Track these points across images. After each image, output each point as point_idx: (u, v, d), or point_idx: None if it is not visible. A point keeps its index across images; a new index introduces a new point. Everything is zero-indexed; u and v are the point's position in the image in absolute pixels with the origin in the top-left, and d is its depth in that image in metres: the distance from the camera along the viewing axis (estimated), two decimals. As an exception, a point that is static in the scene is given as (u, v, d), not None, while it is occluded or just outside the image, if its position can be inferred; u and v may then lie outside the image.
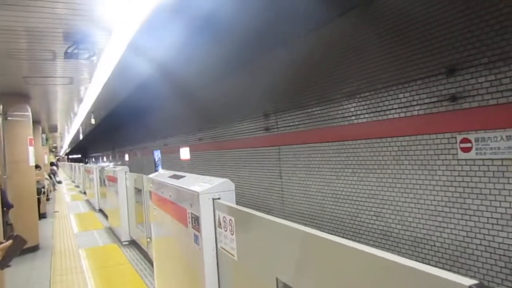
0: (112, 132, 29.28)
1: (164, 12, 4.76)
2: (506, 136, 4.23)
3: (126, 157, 29.99)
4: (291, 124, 8.19)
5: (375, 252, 1.16)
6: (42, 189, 10.90)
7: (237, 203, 9.02)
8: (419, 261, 5.36)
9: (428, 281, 0.95)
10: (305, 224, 7.83)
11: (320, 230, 5.93)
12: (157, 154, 19.89)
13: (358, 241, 6.46)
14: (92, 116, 12.32)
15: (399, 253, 5.74)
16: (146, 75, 8.92)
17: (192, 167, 14.75)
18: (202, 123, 13.24)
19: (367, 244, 6.29)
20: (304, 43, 7.45)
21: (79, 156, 59.49)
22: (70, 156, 60.61)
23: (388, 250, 5.94)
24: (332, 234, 6.05)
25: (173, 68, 9.59)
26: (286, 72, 8.11)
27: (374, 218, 6.16)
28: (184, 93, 13.35)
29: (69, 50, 4.38)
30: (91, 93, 8.39)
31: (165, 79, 10.68)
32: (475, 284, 0.89)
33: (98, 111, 12.14)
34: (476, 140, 4.56)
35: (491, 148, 4.41)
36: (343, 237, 6.76)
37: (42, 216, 10.63)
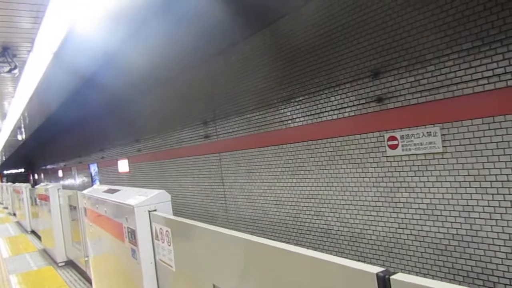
0: (42, 147, 27.69)
1: (91, 21, 4.61)
2: (427, 133, 4.59)
3: (60, 173, 28.40)
4: (230, 130, 8.25)
5: (298, 250, 1.23)
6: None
7: (181, 213, 8.93)
8: (358, 255, 5.63)
9: (343, 271, 1.04)
10: (249, 229, 7.91)
11: (264, 234, 6.03)
12: (94, 168, 19.04)
13: (301, 241, 6.64)
14: (19, 132, 11.54)
15: (339, 249, 5.98)
16: (76, 87, 8.55)
17: (132, 179, 14.30)
18: (140, 134, 12.90)
19: (310, 243, 6.49)
20: (239, 50, 7.55)
21: (21, 170, 46.49)
22: (6, 172, 47.15)
23: (329, 247, 6.16)
24: (275, 236, 6.16)
25: (106, 79, 9.28)
26: (223, 79, 8.16)
27: (315, 217, 6.37)
28: (119, 103, 12.93)
29: (-13, 64, 4.09)
30: (16, 108, 7.86)
31: (97, 90, 10.29)
32: (381, 271, 0.97)
33: (26, 126, 11.39)
34: (402, 137, 4.90)
35: (415, 144, 4.75)
36: (286, 238, 6.94)
37: (-35, 243, 9.78)
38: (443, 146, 4.42)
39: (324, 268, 1.14)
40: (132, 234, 2.54)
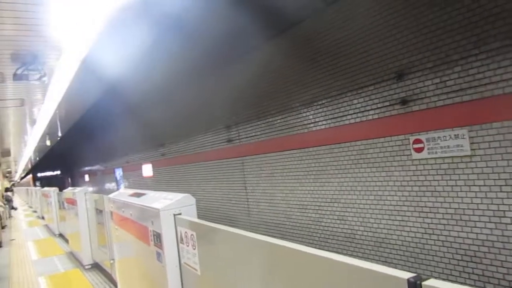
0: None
1: (117, 28, 4.71)
2: (454, 135, 4.47)
3: (86, 177, 29.03)
4: (253, 134, 8.26)
5: (325, 254, 1.21)
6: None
7: (204, 217, 8.95)
8: (383, 261, 5.53)
9: (373, 276, 1.02)
10: (271, 233, 7.88)
11: (286, 238, 5.98)
12: (119, 172, 19.39)
13: (324, 246, 6.57)
14: (48, 138, 11.88)
15: (363, 254, 5.89)
16: (102, 93, 8.75)
17: (155, 183, 14.49)
18: (164, 138, 13.07)
19: (333, 248, 6.41)
20: (260, 54, 7.56)
21: (57, 173, 39.90)
22: (40, 174, 40.01)
23: (352, 252, 6.07)
24: (298, 241, 6.12)
25: (131, 84, 9.46)
26: (246, 84, 8.19)
27: (338, 222, 6.29)
28: (144, 108, 13.16)
29: (18, 72, 4.22)
30: (45, 114, 8.10)
31: (121, 95, 10.50)
32: (412, 277, 0.95)
33: (54, 132, 11.72)
34: (428, 140, 4.79)
35: (441, 147, 4.64)
36: (309, 242, 6.88)
37: (-3, 245, 10.10)
38: (471, 149, 4.30)
39: (353, 273, 1.12)
40: (158, 237, 2.57)
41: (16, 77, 4.31)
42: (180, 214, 2.52)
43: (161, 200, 2.67)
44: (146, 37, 6.24)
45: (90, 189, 23.15)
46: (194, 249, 2.27)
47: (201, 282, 2.25)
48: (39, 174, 40.25)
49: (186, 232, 2.38)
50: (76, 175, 33.41)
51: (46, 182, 35.28)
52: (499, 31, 3.94)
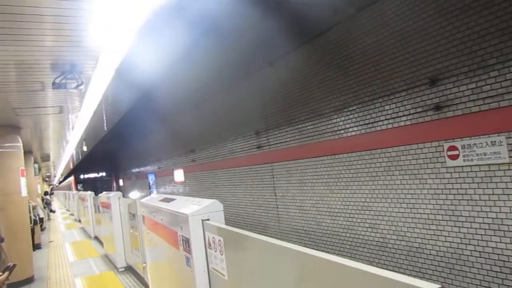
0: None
1: (149, 36, 4.85)
2: (491, 142, 4.31)
3: (120, 182, 29.74)
4: (282, 140, 8.26)
5: (353, 264, 1.20)
6: (36, 219, 10.79)
7: (233, 222, 9.01)
8: (417, 271, 5.37)
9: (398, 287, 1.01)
10: (301, 240, 7.83)
11: (317, 245, 5.93)
12: (151, 178, 19.82)
13: (355, 254, 6.46)
14: (84, 143, 12.31)
15: (396, 264, 5.74)
16: (136, 99, 8.99)
17: (186, 188, 14.72)
18: (194, 144, 13.28)
19: (364, 256, 6.29)
20: (290, 61, 7.57)
21: (102, 174, 34.13)
22: (84, 176, 34.19)
23: (385, 261, 5.93)
24: (329, 248, 6.04)
25: (162, 92, 9.68)
26: (275, 90, 8.21)
27: (370, 230, 6.18)
28: (174, 115, 13.42)
29: (57, 81, 4.42)
30: (82, 121, 8.42)
31: (154, 103, 10.75)
32: (437, 288, 0.93)
33: (90, 138, 12.15)
34: (463, 147, 4.64)
35: (477, 154, 4.48)
36: (340, 250, 6.78)
37: (36, 246, 10.49)
38: (509, 156, 4.13)
39: (383, 284, 1.11)
40: (187, 242, 2.61)
41: (55, 85, 4.51)
42: (208, 219, 2.55)
43: (190, 206, 2.72)
44: (178, 44, 6.38)
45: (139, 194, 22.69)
46: (222, 254, 2.30)
47: (229, 287, 2.27)
48: (82, 176, 34.09)
49: (214, 237, 2.41)
50: (124, 177, 29.15)
51: (91, 185, 30.20)
52: (539, 34, 3.79)
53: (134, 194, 23.04)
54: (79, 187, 31.38)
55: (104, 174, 34.20)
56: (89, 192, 12.56)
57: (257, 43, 7.24)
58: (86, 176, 34.06)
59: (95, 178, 34.32)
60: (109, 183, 32.93)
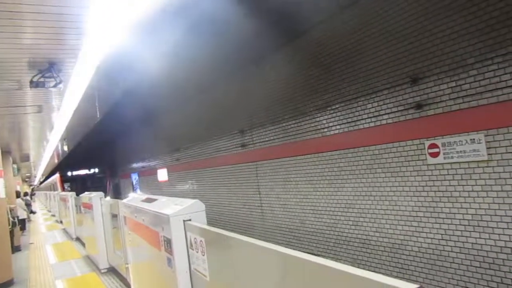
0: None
1: (130, 36, 4.78)
2: (470, 140, 4.38)
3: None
4: (267, 139, 8.25)
5: (334, 265, 1.20)
6: (15, 221, 10.54)
7: (218, 221, 8.95)
8: (399, 267, 5.44)
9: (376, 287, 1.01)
10: (286, 238, 7.84)
11: (301, 243, 5.93)
12: (135, 177, 19.60)
13: (339, 251, 6.50)
14: (65, 143, 12.10)
15: (379, 261, 5.80)
16: (117, 99, 8.87)
17: (170, 187, 14.60)
18: (178, 143, 13.17)
19: (348, 253, 6.33)
20: (274, 59, 7.57)
21: (91, 170, 27.42)
22: (75, 173, 27.14)
23: (368, 258, 5.99)
24: (313, 246, 6.05)
25: (145, 90, 9.56)
26: (259, 88, 8.20)
27: (353, 227, 6.22)
28: (158, 114, 13.28)
29: (35, 79, 4.32)
30: (62, 120, 8.26)
31: (136, 101, 10.61)
32: None
33: (71, 137, 11.93)
34: (443, 145, 4.71)
35: (457, 152, 4.55)
36: (324, 248, 6.81)
37: (16, 249, 10.26)
38: (488, 154, 4.21)
39: (362, 284, 1.11)
40: (168, 243, 2.58)
41: (32, 84, 4.41)
42: (190, 220, 2.53)
43: (172, 206, 2.69)
44: (161, 42, 6.31)
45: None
46: (203, 255, 2.28)
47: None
48: (70, 173, 27.20)
49: (195, 238, 2.39)
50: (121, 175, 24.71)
51: (80, 184, 24.74)
52: (516, 33, 3.86)
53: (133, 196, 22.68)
54: (66, 187, 25.31)
55: (96, 170, 27.09)
56: (70, 193, 12.35)
57: (241, 42, 7.22)
58: (76, 173, 27.14)
59: (86, 175, 27.50)
60: (103, 182, 26.56)
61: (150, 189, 16.93)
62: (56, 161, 22.56)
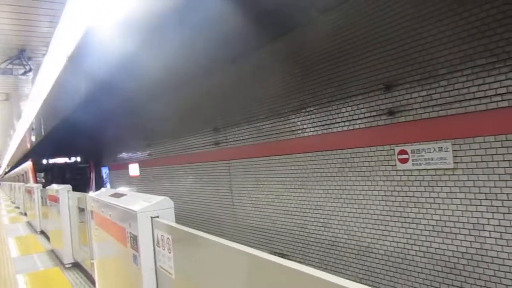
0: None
1: (105, 27, 4.68)
2: (438, 148, 4.51)
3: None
4: (241, 138, 8.24)
5: (302, 269, 1.21)
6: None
7: (190, 218, 8.86)
8: (365, 269, 5.54)
9: None
10: (257, 238, 7.86)
11: (271, 243, 5.95)
12: (105, 171, 19.18)
13: (307, 252, 6.57)
14: (32, 134, 11.73)
15: (346, 263, 5.90)
16: (88, 90, 8.67)
17: (142, 183, 14.38)
18: (151, 138, 12.98)
19: (316, 255, 6.41)
20: (251, 59, 7.56)
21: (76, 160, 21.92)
22: (53, 161, 21.20)
23: (336, 259, 6.08)
24: (283, 246, 6.08)
25: (119, 83, 9.36)
26: (235, 87, 8.17)
27: (322, 229, 6.30)
28: (131, 108, 13.04)
29: (2, 66, 4.16)
30: (31, 109, 8.01)
31: (110, 94, 10.39)
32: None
33: (39, 127, 11.57)
34: (412, 151, 4.83)
35: (425, 159, 4.68)
36: (293, 249, 6.87)
37: (-24, 241, 9.90)
38: (454, 162, 4.35)
39: (323, 286, 1.12)
40: (134, 239, 2.54)
41: None
42: (157, 217, 2.49)
43: (140, 202, 2.64)
44: (135, 36, 6.20)
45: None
46: (170, 252, 2.25)
47: (175, 286, 2.23)
48: (45, 161, 21.63)
49: (162, 235, 2.35)
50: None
51: (59, 175, 20.84)
52: (485, 48, 4.00)
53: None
54: (39, 178, 20.89)
55: (78, 159, 21.92)
56: (36, 185, 11.98)
57: (218, 40, 7.17)
58: (52, 161, 21.78)
59: (66, 165, 22.22)
60: (86, 173, 21.86)
61: (121, 184, 16.63)
62: (28, 146, 19.85)
